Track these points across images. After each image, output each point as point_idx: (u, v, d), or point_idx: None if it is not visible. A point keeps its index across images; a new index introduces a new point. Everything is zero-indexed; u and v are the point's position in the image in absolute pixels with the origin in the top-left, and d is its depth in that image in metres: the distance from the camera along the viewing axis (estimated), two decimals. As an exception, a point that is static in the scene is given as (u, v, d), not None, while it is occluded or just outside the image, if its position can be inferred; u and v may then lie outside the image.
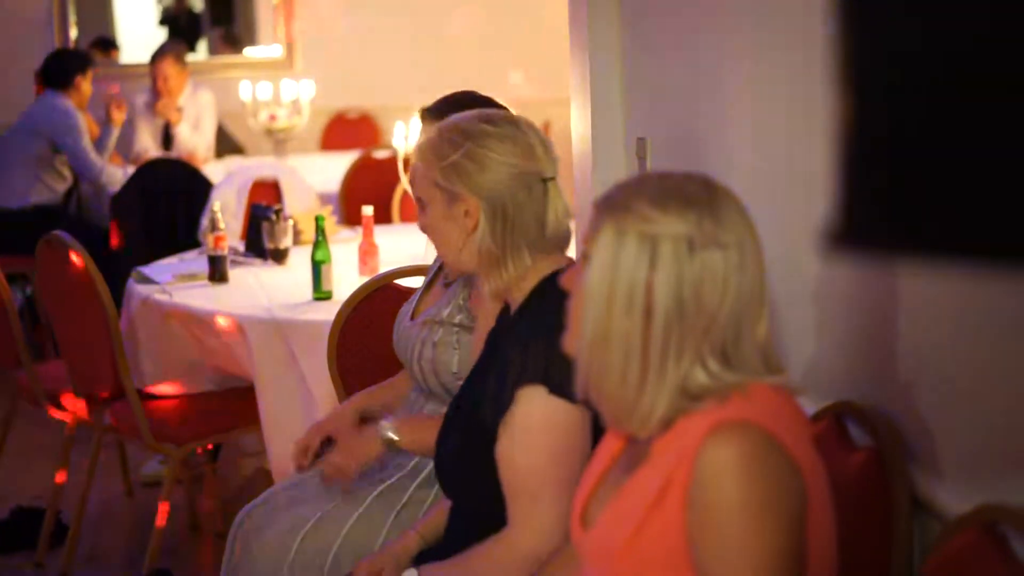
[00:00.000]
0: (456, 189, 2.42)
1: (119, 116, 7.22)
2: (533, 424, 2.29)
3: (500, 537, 2.33)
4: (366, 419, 3.13)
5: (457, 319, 2.96)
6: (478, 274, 2.49)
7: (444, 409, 2.78)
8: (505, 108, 2.94)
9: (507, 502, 2.32)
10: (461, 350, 2.93)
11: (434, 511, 2.69)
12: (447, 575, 2.41)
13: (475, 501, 2.48)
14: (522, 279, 2.43)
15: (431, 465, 2.94)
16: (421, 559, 2.57)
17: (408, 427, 2.90)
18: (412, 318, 3.09)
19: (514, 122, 2.49)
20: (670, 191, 1.82)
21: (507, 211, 2.41)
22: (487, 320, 2.65)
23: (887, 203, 0.99)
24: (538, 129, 2.50)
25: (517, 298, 2.45)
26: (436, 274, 3.20)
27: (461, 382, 2.83)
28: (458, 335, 2.94)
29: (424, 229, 2.56)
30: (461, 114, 2.53)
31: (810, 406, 2.40)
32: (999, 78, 0.94)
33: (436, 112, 3.02)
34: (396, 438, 2.88)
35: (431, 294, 3.13)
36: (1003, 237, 0.94)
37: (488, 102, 3.01)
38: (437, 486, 2.93)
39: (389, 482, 2.98)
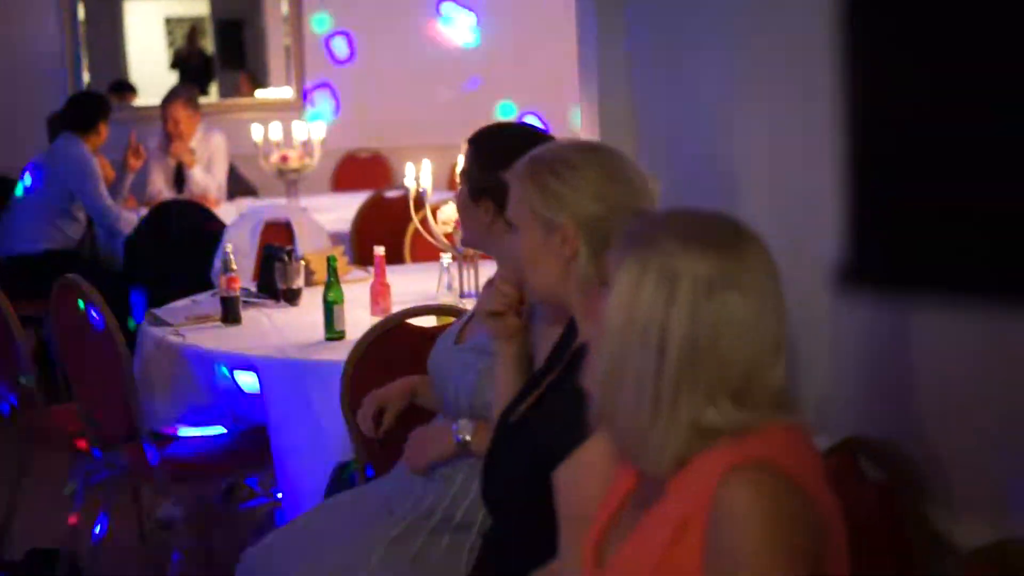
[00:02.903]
0: (554, 217, 2.37)
1: (136, 163, 7.27)
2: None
3: (551, 569, 2.26)
4: (416, 397, 3.19)
5: None
6: (567, 302, 2.44)
7: None
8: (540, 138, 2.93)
9: (561, 530, 2.24)
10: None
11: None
12: None
13: (528, 524, 2.41)
14: None
15: (443, 509, 2.93)
16: None
17: (486, 431, 2.81)
18: (456, 343, 3.07)
19: (613, 152, 2.46)
20: (695, 230, 1.81)
21: (607, 239, 2.27)
22: (547, 340, 2.63)
23: (899, 240, 0.99)
24: (635, 161, 2.47)
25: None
26: None
27: (490, 411, 2.82)
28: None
29: (514, 253, 2.48)
30: (557, 141, 2.52)
31: (823, 441, 2.40)
32: (1009, 112, 0.94)
33: (475, 138, 2.99)
34: (470, 439, 2.87)
35: (474, 322, 3.08)
36: (1015, 273, 0.95)
37: (536, 141, 2.97)
38: (451, 533, 2.91)
39: (398, 530, 2.93)
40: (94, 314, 4.20)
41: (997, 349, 2.06)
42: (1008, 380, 2.05)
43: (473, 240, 3.07)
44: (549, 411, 2.39)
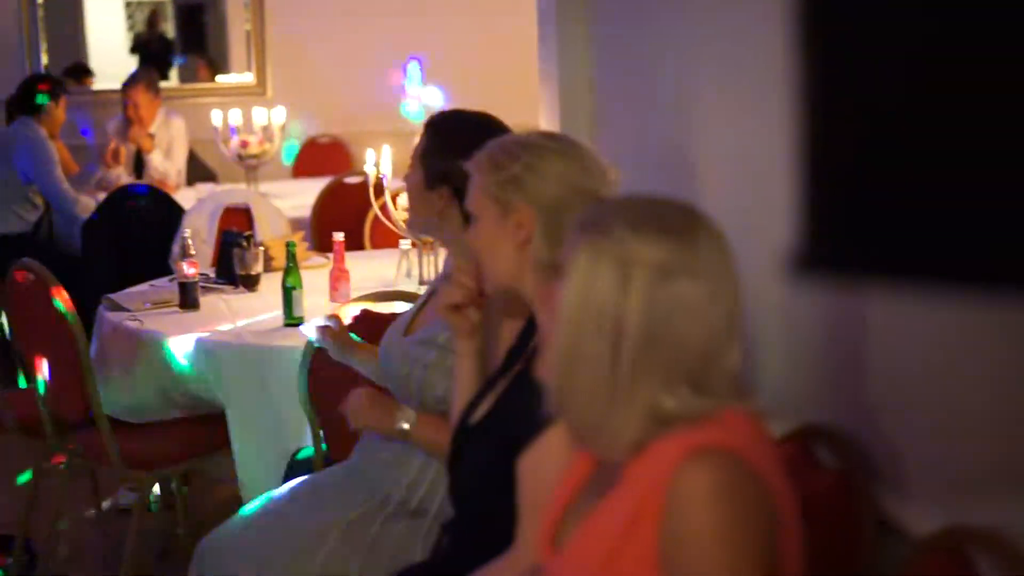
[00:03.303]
0: (511, 200, 2.39)
1: (111, 165, 7.29)
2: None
3: (510, 556, 2.26)
4: None
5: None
6: (522, 289, 2.44)
7: None
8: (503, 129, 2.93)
9: (520, 517, 2.25)
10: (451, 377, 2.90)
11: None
12: None
13: (495, 518, 2.41)
14: None
15: (399, 496, 2.92)
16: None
17: (427, 425, 2.85)
18: (405, 333, 3.05)
19: (574, 141, 2.47)
20: (649, 216, 1.82)
21: (562, 224, 2.32)
22: (503, 337, 2.62)
23: (852, 227, 1.00)
24: (596, 150, 2.48)
25: None
26: (432, 295, 3.15)
27: (442, 406, 2.81)
28: (453, 360, 2.90)
29: (472, 243, 2.51)
30: (520, 132, 2.52)
31: (778, 429, 2.41)
32: (964, 102, 0.95)
33: (435, 123, 2.97)
34: (408, 428, 2.86)
35: (425, 313, 3.07)
36: (967, 261, 0.96)
37: (500, 132, 2.96)
38: (407, 519, 2.91)
39: (354, 515, 2.93)
40: (49, 296, 4.17)
41: (949, 337, 2.08)
42: (960, 368, 2.07)
43: (423, 226, 3.05)
44: (514, 408, 2.40)
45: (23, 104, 7.07)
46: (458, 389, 2.63)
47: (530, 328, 2.50)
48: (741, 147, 2.73)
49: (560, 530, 1.96)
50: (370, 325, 3.64)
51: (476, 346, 2.63)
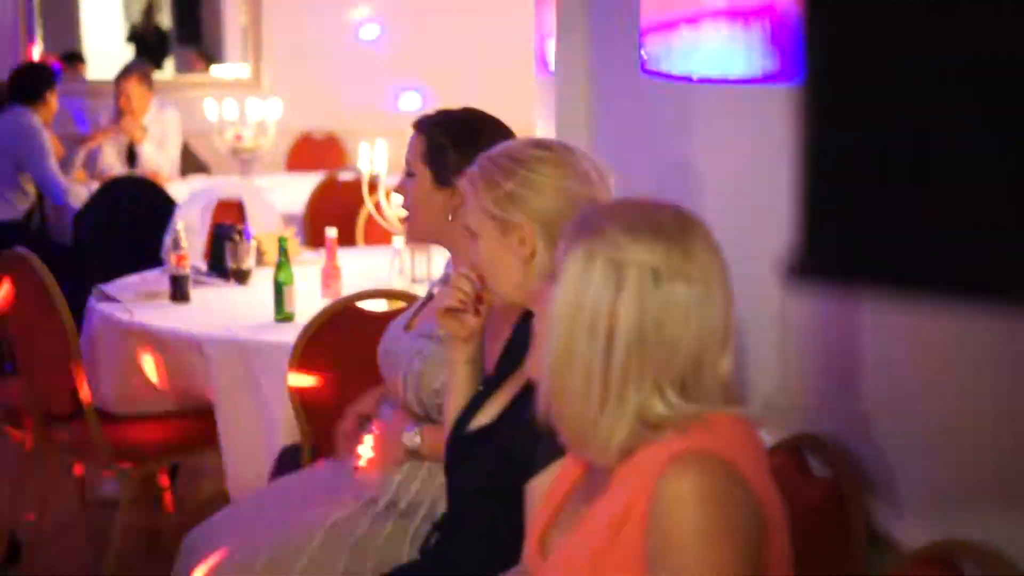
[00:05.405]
0: (510, 217, 2.35)
1: (97, 141, 7.25)
2: None
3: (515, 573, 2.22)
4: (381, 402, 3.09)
5: None
6: (531, 301, 2.37)
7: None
8: (508, 129, 2.90)
9: (528, 537, 2.23)
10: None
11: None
12: None
13: (489, 522, 2.41)
14: None
15: (388, 497, 2.91)
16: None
17: (434, 435, 2.83)
18: (407, 329, 3.03)
19: (567, 148, 2.43)
20: (642, 219, 1.82)
21: None
22: (495, 343, 2.60)
23: (847, 235, 0.99)
24: (591, 156, 2.44)
25: None
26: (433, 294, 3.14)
27: (438, 399, 2.80)
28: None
29: (475, 260, 2.46)
30: (510, 142, 2.48)
31: (770, 437, 2.40)
32: (962, 109, 0.94)
33: (432, 123, 2.93)
34: (419, 441, 2.85)
35: (428, 309, 3.04)
36: (962, 270, 0.95)
37: (494, 123, 2.95)
38: (395, 519, 2.90)
39: (342, 514, 2.92)
40: (38, 286, 4.16)
41: (944, 347, 2.07)
42: (955, 379, 2.06)
43: (428, 231, 2.98)
44: (518, 418, 2.37)
45: (21, 91, 7.04)
46: (452, 394, 2.59)
47: (520, 334, 2.47)
48: (738, 153, 2.72)
49: (549, 536, 1.95)
50: (363, 323, 3.63)
51: (472, 352, 2.59)
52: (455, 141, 2.87)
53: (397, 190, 3.01)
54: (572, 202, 2.33)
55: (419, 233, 3.02)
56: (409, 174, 2.93)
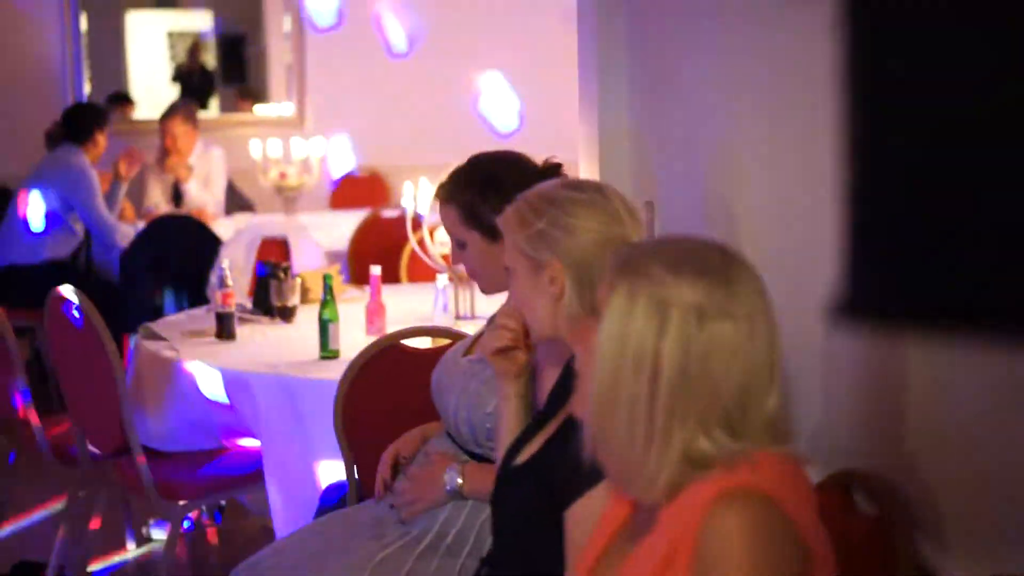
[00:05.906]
0: (541, 256, 2.39)
1: (128, 171, 7.24)
2: None
3: None
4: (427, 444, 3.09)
5: None
6: (562, 339, 2.44)
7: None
8: (528, 161, 2.92)
9: (568, 567, 2.24)
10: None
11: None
12: None
13: (534, 556, 2.40)
14: None
15: (433, 533, 2.91)
16: None
17: (475, 474, 2.87)
18: (464, 355, 3.03)
19: (599, 188, 2.47)
20: (686, 257, 1.82)
21: (593, 275, 2.31)
22: (547, 379, 2.62)
23: (894, 273, 0.99)
24: (623, 195, 2.47)
25: None
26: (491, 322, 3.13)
27: (490, 425, 2.81)
28: None
29: (512, 297, 2.54)
30: (546, 183, 2.51)
31: (816, 474, 2.39)
32: (1010, 150, 0.94)
33: (453, 187, 2.93)
34: (461, 483, 2.88)
35: (487, 335, 3.05)
36: (1009, 311, 0.95)
37: (503, 159, 2.97)
38: (440, 557, 2.90)
39: (387, 552, 2.92)
40: (86, 324, 4.19)
41: (991, 384, 2.06)
42: (1001, 415, 2.05)
43: (503, 284, 2.99)
44: (561, 451, 2.37)
45: (71, 131, 7.11)
46: (503, 429, 2.63)
47: (569, 373, 2.49)
48: (783, 190, 2.72)
49: (597, 574, 1.94)
50: (408, 360, 3.64)
51: (522, 388, 2.63)
52: (483, 193, 2.88)
53: (455, 262, 3.04)
54: (602, 243, 2.36)
55: (495, 288, 2.99)
56: (460, 244, 2.94)
